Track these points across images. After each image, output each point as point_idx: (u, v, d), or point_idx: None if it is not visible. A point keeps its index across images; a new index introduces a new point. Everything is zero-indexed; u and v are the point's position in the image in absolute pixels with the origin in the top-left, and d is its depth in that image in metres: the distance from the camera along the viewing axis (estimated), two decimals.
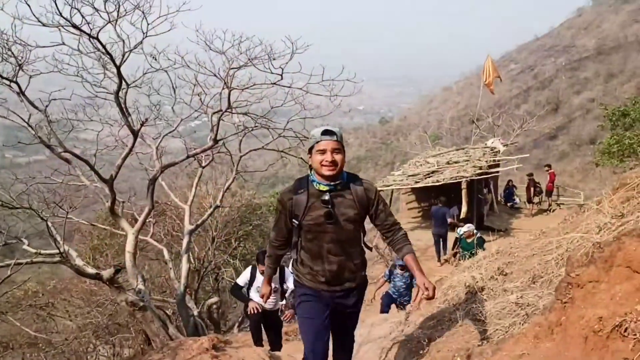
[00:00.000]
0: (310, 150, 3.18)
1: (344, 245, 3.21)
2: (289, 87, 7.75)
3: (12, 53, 6.42)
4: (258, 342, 6.56)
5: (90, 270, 6.63)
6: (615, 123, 15.82)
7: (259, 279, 6.38)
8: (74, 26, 5.98)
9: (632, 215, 2.67)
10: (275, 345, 6.71)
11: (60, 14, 5.78)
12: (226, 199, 12.90)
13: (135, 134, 7.02)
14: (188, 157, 8.04)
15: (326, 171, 3.05)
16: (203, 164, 9.29)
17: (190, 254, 8.58)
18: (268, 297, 3.89)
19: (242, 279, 6.57)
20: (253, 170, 12.57)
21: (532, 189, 19.84)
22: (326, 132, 3.08)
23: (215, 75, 8.56)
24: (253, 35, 8.10)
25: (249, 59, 7.93)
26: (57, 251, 6.26)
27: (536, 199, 20.13)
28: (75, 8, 5.82)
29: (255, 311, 6.15)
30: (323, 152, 3.05)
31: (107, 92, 8.03)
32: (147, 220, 8.34)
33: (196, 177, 9.35)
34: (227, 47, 8.08)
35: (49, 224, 6.83)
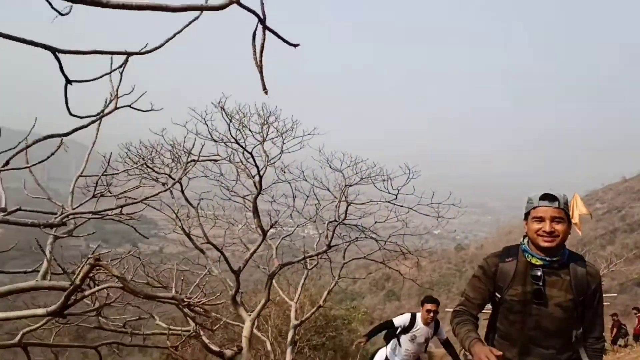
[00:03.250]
0: (526, 216, 2.77)
1: (552, 336, 2.71)
2: (401, 206, 8.83)
3: (181, 160, 7.95)
4: None
5: (215, 347, 7.56)
6: None
7: (418, 326, 6.11)
8: (239, 144, 7.47)
9: None
10: None
11: (232, 135, 7.31)
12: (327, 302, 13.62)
13: (264, 233, 8.21)
14: (304, 258, 9.14)
15: (542, 242, 2.62)
16: (308, 267, 10.33)
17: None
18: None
19: (399, 320, 6.21)
20: (353, 277, 13.40)
21: (617, 330, 19.16)
22: (546, 197, 2.66)
23: (328, 190, 9.82)
24: (367, 158, 9.39)
25: (361, 178, 9.14)
26: (190, 328, 7.29)
27: (621, 342, 19.33)
28: (240, 130, 7.35)
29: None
30: (540, 219, 2.64)
31: (238, 196, 9.44)
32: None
33: (302, 277, 10.35)
34: (344, 166, 9.36)
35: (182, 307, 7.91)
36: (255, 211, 8.24)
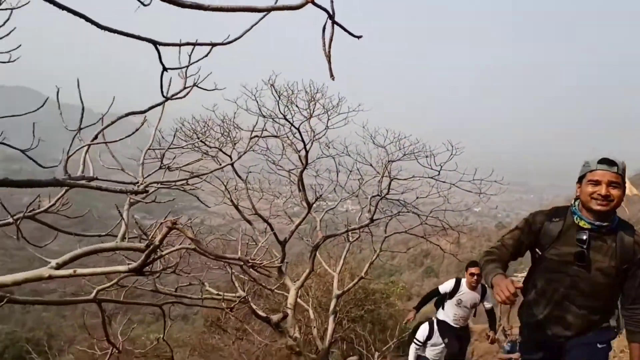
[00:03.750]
0: (580, 180, 2.78)
1: (587, 298, 2.77)
2: (444, 182, 8.98)
3: (230, 135, 8.32)
4: None
5: (262, 313, 7.99)
6: None
7: (463, 291, 6.30)
8: (287, 120, 7.77)
9: None
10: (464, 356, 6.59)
11: (281, 112, 7.62)
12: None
13: (310, 206, 8.52)
14: (347, 231, 9.45)
15: (596, 205, 2.65)
16: (350, 240, 10.62)
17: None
18: (514, 295, 2.48)
19: (444, 287, 6.47)
20: (393, 251, 13.68)
21: None
22: (604, 161, 2.65)
23: (370, 165, 10.03)
24: (410, 135, 9.54)
25: (404, 154, 9.32)
26: (239, 294, 7.71)
27: None
28: (288, 107, 7.65)
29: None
30: (597, 183, 2.65)
31: (284, 170, 9.77)
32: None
33: (344, 250, 10.65)
34: (387, 142, 9.53)
35: (234, 273, 8.35)
36: (301, 185, 8.54)
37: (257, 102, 7.75)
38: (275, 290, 10.15)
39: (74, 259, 3.15)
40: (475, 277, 6.16)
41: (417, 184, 10.00)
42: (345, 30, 1.75)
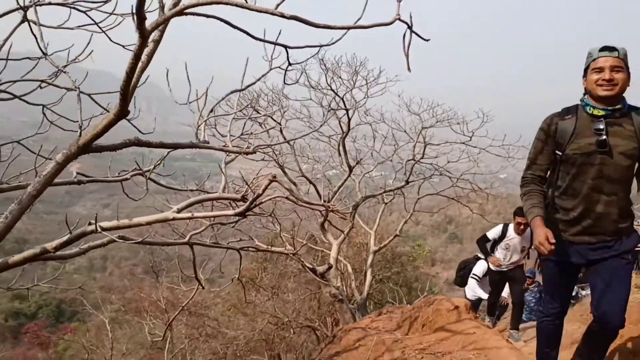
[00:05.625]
0: (585, 72, 2.85)
1: (613, 184, 2.81)
2: (474, 147, 9.72)
3: (281, 104, 9.13)
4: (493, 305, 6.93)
5: (309, 265, 8.92)
6: None
7: (510, 236, 6.35)
8: (332, 90, 8.55)
9: None
10: (519, 296, 6.64)
11: (327, 83, 8.41)
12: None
13: (350, 169, 9.35)
14: (385, 192, 10.28)
15: (602, 91, 2.71)
16: (386, 201, 11.44)
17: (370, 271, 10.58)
18: (549, 244, 2.72)
19: (492, 233, 6.53)
20: (426, 211, 14.50)
21: None
22: (605, 48, 2.74)
23: (404, 132, 10.77)
24: (443, 103, 10.23)
25: (437, 121, 10.04)
26: (291, 249, 8.64)
27: None
28: (333, 79, 8.44)
29: (497, 266, 6.45)
30: (600, 70, 2.73)
31: (325, 136, 10.57)
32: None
33: (380, 210, 11.48)
34: (421, 110, 10.24)
35: (282, 232, 9.26)
36: (343, 149, 9.36)
37: (306, 74, 8.56)
38: (315, 247, 11.11)
39: (190, 205, 4.03)
40: (521, 227, 6.17)
41: (447, 149, 10.73)
42: (418, 35, 2.54)
